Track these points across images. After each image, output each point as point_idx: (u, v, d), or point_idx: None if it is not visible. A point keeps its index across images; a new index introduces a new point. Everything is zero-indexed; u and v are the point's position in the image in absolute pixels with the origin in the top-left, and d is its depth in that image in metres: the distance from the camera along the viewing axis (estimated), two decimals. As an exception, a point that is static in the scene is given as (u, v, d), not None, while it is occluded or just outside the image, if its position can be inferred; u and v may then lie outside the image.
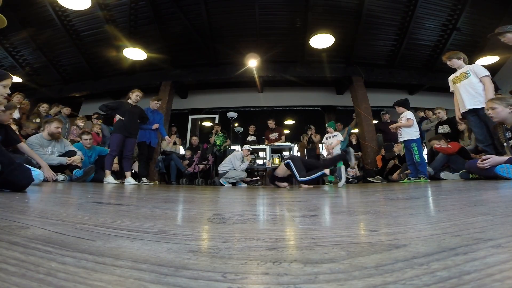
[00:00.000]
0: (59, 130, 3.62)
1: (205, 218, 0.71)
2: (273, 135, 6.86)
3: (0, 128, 2.52)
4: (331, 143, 5.23)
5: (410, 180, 3.64)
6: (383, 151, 5.64)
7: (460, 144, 4.17)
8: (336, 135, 5.29)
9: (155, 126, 4.70)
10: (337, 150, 5.19)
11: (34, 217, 0.66)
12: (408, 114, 3.93)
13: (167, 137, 5.00)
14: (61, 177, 3.32)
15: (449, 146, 4.08)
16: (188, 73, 7.16)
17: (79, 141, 4.35)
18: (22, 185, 1.37)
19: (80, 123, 5.56)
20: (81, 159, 3.70)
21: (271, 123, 6.96)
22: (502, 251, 0.32)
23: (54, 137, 3.57)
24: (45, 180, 2.77)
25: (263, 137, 7.53)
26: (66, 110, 6.04)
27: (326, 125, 5.52)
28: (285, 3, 5.60)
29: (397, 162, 5.12)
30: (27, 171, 1.43)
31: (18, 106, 4.81)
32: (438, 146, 4.12)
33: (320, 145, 7.17)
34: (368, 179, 5.37)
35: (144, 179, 4.40)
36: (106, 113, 4.23)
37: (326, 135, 5.43)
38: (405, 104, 4.14)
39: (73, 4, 4.77)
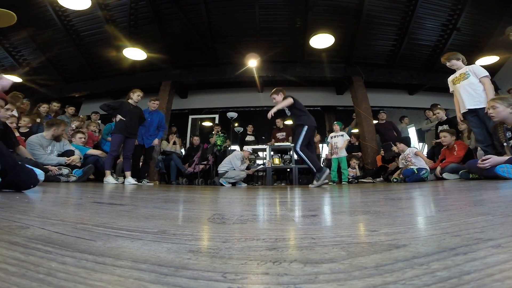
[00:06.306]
0: (64, 132, 3.70)
1: (205, 218, 0.71)
2: (280, 135, 6.76)
3: None
4: (336, 142, 5.17)
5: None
6: (382, 151, 5.64)
7: (465, 145, 4.06)
8: (342, 135, 5.18)
9: (155, 142, 4.73)
10: (342, 151, 5.11)
11: (34, 217, 0.66)
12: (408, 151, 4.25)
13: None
14: (65, 170, 3.31)
15: (455, 153, 3.95)
16: (188, 73, 7.15)
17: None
18: (28, 186, 1.39)
19: (75, 123, 5.11)
20: (80, 159, 3.70)
21: (279, 122, 6.82)
22: (502, 251, 0.32)
23: (58, 139, 3.59)
24: (47, 180, 2.77)
25: (263, 137, 7.46)
26: (70, 110, 5.99)
27: (334, 123, 5.46)
28: (285, 3, 5.60)
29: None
30: (31, 172, 1.44)
31: (16, 108, 4.79)
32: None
33: (320, 145, 7.15)
34: (359, 180, 5.34)
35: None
36: (107, 112, 4.21)
37: (332, 134, 5.36)
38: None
39: (73, 4, 4.76)
